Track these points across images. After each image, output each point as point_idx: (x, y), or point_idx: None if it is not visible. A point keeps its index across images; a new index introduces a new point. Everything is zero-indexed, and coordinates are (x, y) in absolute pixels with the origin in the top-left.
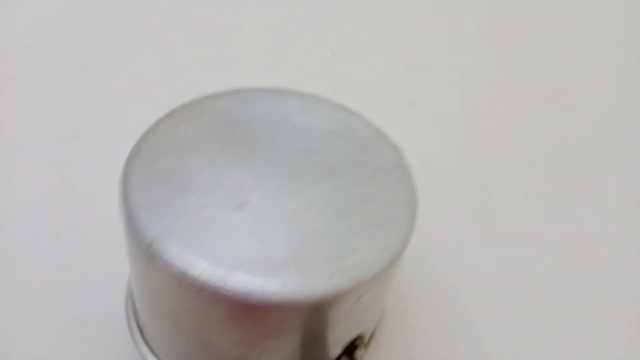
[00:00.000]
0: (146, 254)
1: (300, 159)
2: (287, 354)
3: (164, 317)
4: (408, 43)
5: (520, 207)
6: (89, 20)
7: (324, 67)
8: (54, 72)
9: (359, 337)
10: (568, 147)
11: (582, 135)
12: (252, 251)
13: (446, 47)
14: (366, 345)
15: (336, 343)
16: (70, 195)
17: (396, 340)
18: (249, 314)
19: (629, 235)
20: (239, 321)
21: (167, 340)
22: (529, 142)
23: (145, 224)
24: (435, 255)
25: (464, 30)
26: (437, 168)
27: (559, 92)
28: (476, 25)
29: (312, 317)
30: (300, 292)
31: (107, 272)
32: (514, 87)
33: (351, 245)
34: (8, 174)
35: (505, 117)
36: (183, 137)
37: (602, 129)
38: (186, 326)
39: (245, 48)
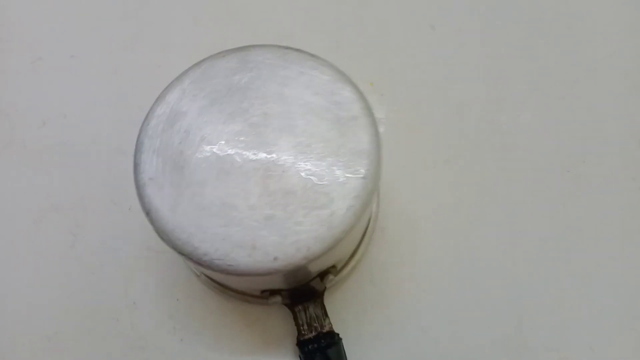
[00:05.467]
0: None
1: (280, 138)
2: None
3: None
4: None
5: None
6: None
7: None
8: None
9: (332, 266)
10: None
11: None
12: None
13: None
14: (336, 273)
15: (312, 273)
16: (123, 101)
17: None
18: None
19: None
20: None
21: None
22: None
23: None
24: (441, 169)
25: None
26: None
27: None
28: None
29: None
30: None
31: None
32: (534, 14)
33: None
34: (66, 80)
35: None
36: (188, 107)
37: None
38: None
39: None
